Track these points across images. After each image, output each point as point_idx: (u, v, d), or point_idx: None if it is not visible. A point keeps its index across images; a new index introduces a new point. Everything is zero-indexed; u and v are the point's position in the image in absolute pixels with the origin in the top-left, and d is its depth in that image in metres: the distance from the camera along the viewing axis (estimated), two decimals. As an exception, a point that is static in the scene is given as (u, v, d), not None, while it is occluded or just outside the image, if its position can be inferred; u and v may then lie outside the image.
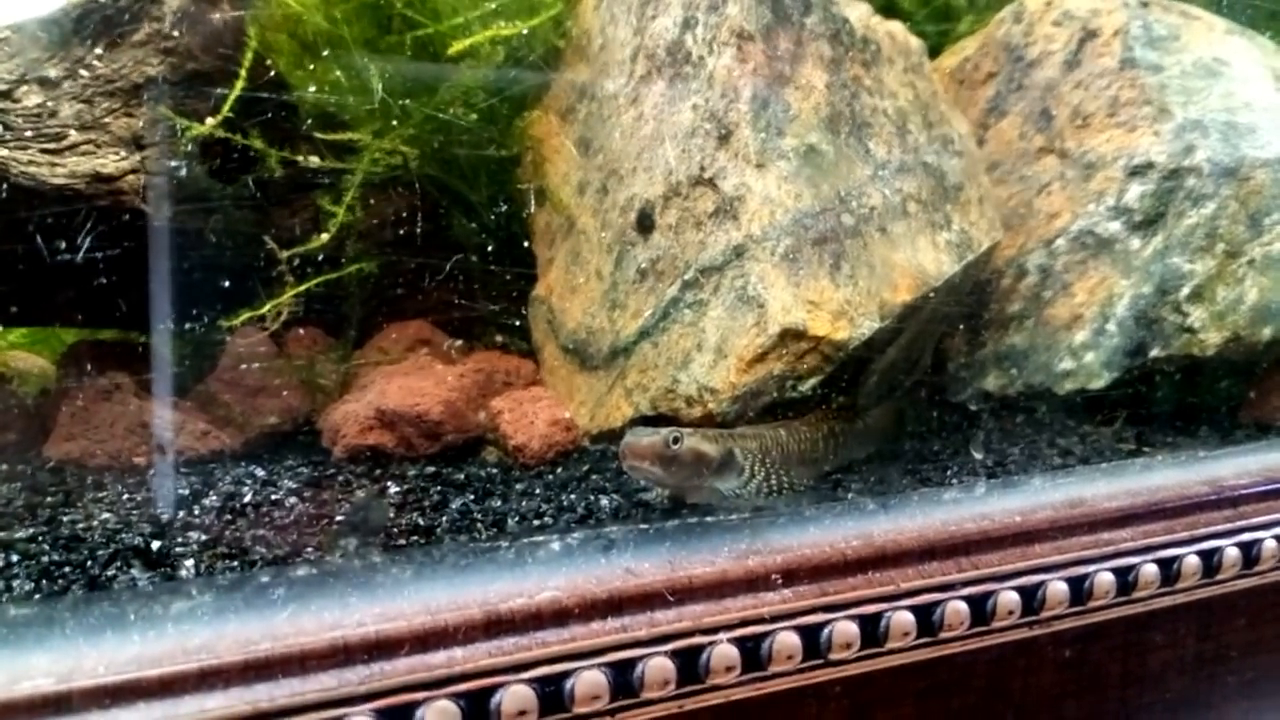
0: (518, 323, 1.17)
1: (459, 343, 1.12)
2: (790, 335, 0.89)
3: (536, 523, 0.82)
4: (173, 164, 1.00)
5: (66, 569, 0.71)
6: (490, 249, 1.18)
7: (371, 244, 1.12)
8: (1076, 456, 0.98)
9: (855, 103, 0.98)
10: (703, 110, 0.96)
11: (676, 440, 0.76)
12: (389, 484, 0.87)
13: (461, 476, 0.93)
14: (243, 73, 1.02)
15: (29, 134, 0.94)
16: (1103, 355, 1.02)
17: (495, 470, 0.96)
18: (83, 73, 1.01)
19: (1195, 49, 1.07)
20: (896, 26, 1.04)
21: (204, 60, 1.04)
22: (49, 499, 0.84)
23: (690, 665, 0.71)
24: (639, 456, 0.75)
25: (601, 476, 0.95)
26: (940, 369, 1.14)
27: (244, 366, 1.05)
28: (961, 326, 1.12)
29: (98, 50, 1.02)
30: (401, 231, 1.16)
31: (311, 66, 1.09)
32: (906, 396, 1.05)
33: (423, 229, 1.17)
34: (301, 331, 1.11)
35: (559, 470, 0.97)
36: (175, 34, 1.03)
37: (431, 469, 0.94)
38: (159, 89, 1.02)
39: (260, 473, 0.89)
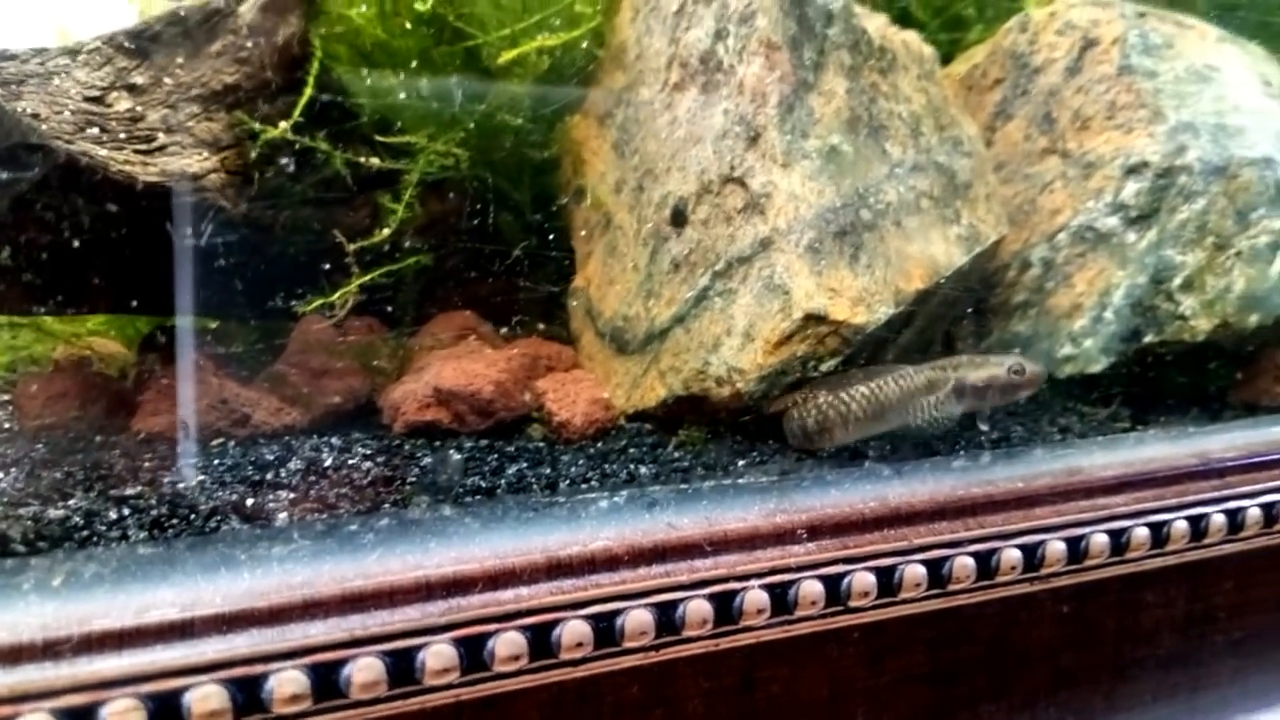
0: (558, 312, 1.27)
1: (505, 330, 1.22)
2: (813, 319, 0.98)
3: (584, 486, 0.91)
4: (248, 165, 1.09)
5: (174, 520, 0.80)
6: (533, 244, 1.28)
7: (425, 239, 1.22)
8: (1075, 434, 1.06)
9: (873, 107, 1.06)
10: (733, 114, 1.05)
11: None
12: (451, 453, 0.97)
13: (512, 449, 1.02)
14: (310, 80, 1.12)
15: (123, 136, 1.04)
16: (1100, 341, 1.11)
17: (542, 444, 1.05)
18: (166, 80, 1.10)
19: (1188, 56, 1.15)
20: (911, 36, 1.12)
21: (274, 69, 1.14)
22: (146, 464, 0.93)
23: (725, 608, 0.79)
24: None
25: (639, 449, 1.04)
26: (952, 354, 1.22)
27: (309, 351, 1.14)
28: (971, 314, 1.21)
29: (179, 60, 1.12)
30: (452, 228, 1.26)
31: (369, 75, 1.18)
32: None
33: (472, 226, 1.26)
34: (360, 320, 1.21)
35: (599, 444, 1.05)
36: (248, 45, 1.12)
37: (485, 442, 1.03)
38: (235, 95, 1.11)
39: (335, 442, 0.98)
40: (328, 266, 1.13)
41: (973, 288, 1.14)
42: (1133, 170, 1.10)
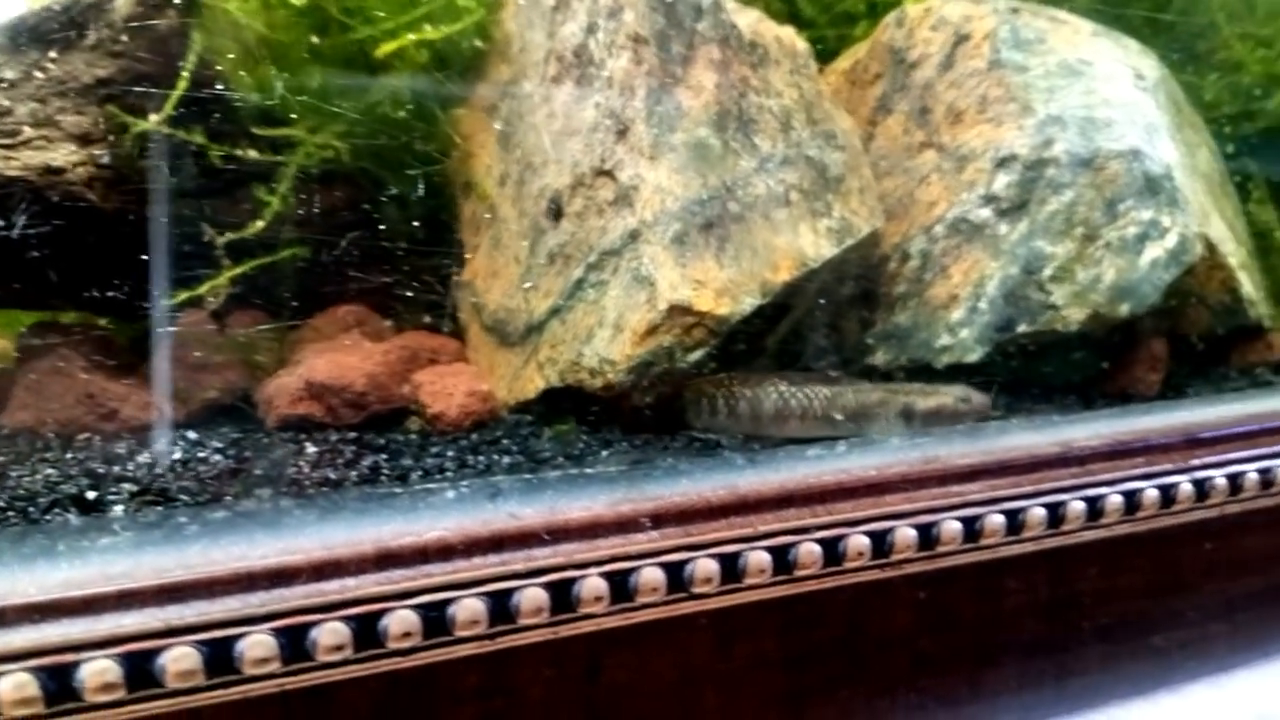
0: (447, 305, 1.27)
1: (389, 323, 1.21)
2: (677, 311, 0.99)
3: (438, 477, 0.91)
4: (119, 158, 1.09)
5: (10, 513, 0.80)
6: (423, 237, 1.28)
7: (309, 232, 1.21)
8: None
9: (743, 101, 1.07)
10: (603, 108, 1.05)
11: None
12: (310, 446, 0.97)
13: (381, 441, 1.02)
14: (185, 74, 1.12)
15: (-15, 130, 1.03)
16: (976, 331, 1.12)
17: (414, 436, 1.05)
18: (37, 74, 1.10)
19: (1061, 51, 1.16)
20: (785, 31, 1.13)
21: (150, 63, 1.13)
22: (0, 459, 0.93)
23: (563, 596, 0.80)
24: None
25: (511, 440, 1.04)
26: (839, 345, 1.24)
27: (188, 345, 1.14)
28: (857, 305, 1.22)
29: (52, 54, 1.11)
30: (339, 221, 1.25)
31: (253, 69, 1.18)
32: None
33: (359, 219, 1.26)
34: (245, 313, 1.20)
35: (473, 436, 1.06)
36: (123, 38, 1.12)
37: (353, 435, 1.03)
38: (108, 89, 1.11)
39: (193, 436, 0.98)
40: (206, 261, 1.12)
41: (851, 278, 1.15)
42: (1003, 163, 1.12)
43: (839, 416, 1.07)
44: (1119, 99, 1.13)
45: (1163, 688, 1.13)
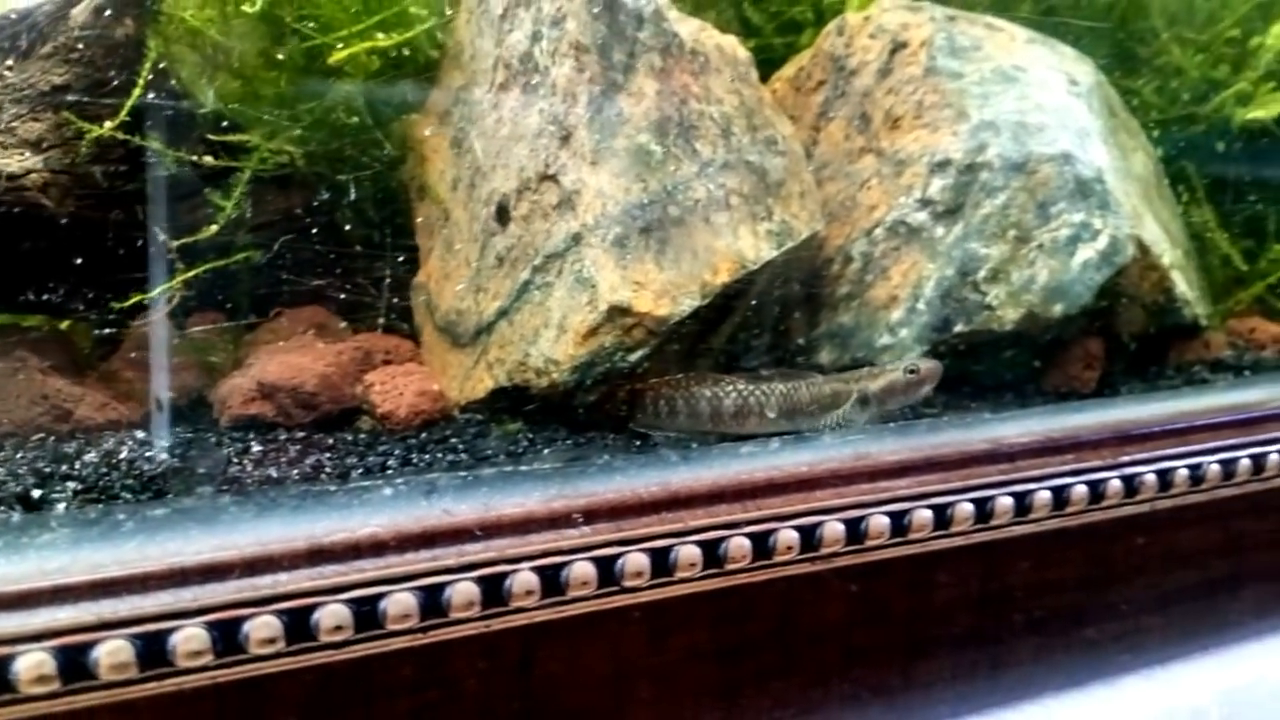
0: (403, 307, 1.29)
1: (344, 324, 1.24)
2: (617, 311, 1.01)
3: (379, 475, 0.94)
4: (75, 164, 1.11)
5: (-46, 513, 0.82)
6: (379, 240, 1.30)
7: (265, 235, 1.23)
8: (881, 421, 1.10)
9: (684, 108, 1.10)
10: (547, 114, 1.08)
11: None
12: (256, 446, 0.99)
13: (329, 440, 1.04)
14: (141, 81, 1.14)
15: (-60, 137, 1.05)
16: (914, 331, 1.15)
17: (364, 435, 1.08)
18: (-6, 82, 1.12)
19: (996, 57, 1.19)
20: (727, 40, 1.16)
21: (106, 70, 1.15)
22: (-52, 459, 0.95)
23: (495, 590, 0.82)
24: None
25: (460, 439, 1.07)
26: (784, 345, 1.26)
27: (144, 347, 1.16)
28: (803, 306, 1.25)
29: (9, 62, 1.13)
30: (295, 225, 1.27)
31: (209, 76, 1.20)
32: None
33: (315, 223, 1.28)
34: (200, 315, 1.22)
35: (422, 435, 1.08)
36: (80, 46, 1.14)
37: (303, 434, 1.05)
38: (64, 95, 1.13)
39: (144, 436, 1.00)
40: (162, 265, 1.14)
41: (795, 280, 1.18)
42: (938, 167, 1.14)
43: (798, 411, 1.10)
44: (1052, 104, 1.16)
45: (1097, 679, 1.16)
